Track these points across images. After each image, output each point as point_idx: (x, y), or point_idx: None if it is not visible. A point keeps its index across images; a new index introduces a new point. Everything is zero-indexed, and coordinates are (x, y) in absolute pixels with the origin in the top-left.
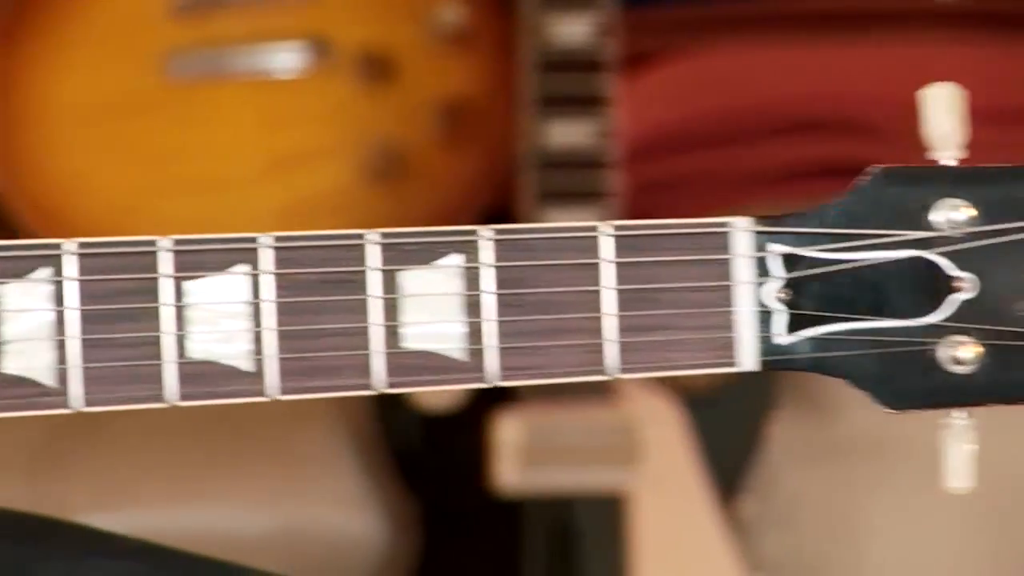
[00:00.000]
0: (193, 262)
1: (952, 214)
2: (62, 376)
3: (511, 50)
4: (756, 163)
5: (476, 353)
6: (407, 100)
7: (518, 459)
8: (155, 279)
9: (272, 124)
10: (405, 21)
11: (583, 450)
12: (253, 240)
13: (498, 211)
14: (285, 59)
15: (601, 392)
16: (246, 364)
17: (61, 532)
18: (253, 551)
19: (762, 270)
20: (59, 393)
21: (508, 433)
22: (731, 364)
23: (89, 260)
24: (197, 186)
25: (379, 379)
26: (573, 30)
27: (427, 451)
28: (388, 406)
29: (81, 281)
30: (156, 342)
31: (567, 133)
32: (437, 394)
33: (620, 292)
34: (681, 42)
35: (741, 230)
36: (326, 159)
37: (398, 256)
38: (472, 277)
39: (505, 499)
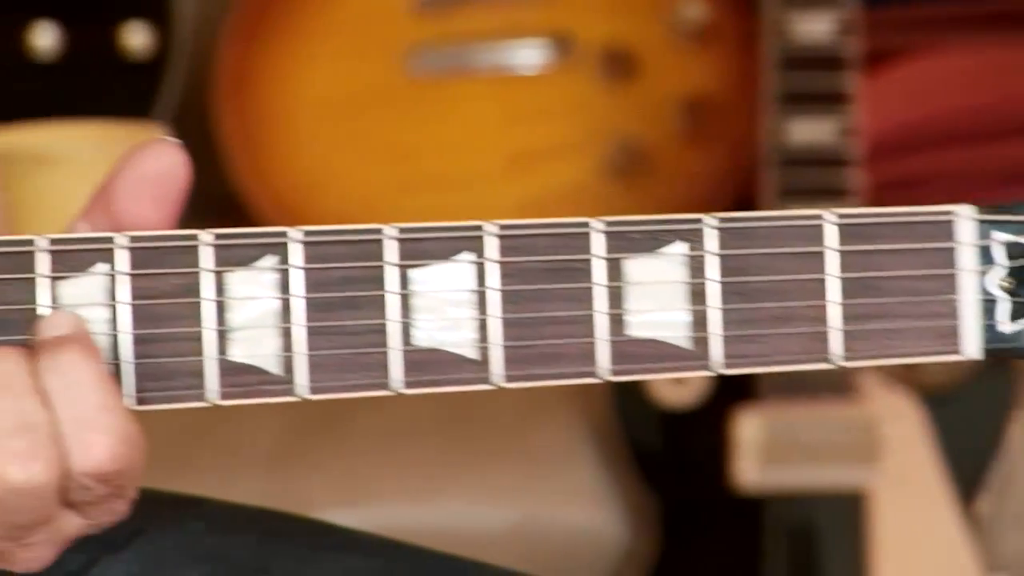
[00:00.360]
0: (418, 250)
1: None
2: (287, 364)
3: (752, 47)
4: (995, 162)
5: (700, 341)
6: (649, 97)
7: (758, 457)
8: (380, 267)
9: (514, 120)
10: (648, 18)
11: (823, 448)
12: (479, 228)
13: (739, 209)
14: (527, 56)
15: (841, 389)
16: (471, 352)
17: (297, 527)
18: (491, 546)
19: (986, 258)
20: (285, 381)
21: (748, 430)
22: (955, 352)
23: (314, 248)
24: (439, 182)
25: (603, 367)
26: (815, 27)
27: (667, 448)
28: (628, 402)
29: (306, 269)
30: (381, 330)
31: (808, 130)
32: (677, 389)
33: (844, 280)
34: (921, 40)
35: (965, 218)
36: (567, 155)
37: (623, 244)
38: (696, 265)
39: (745, 497)
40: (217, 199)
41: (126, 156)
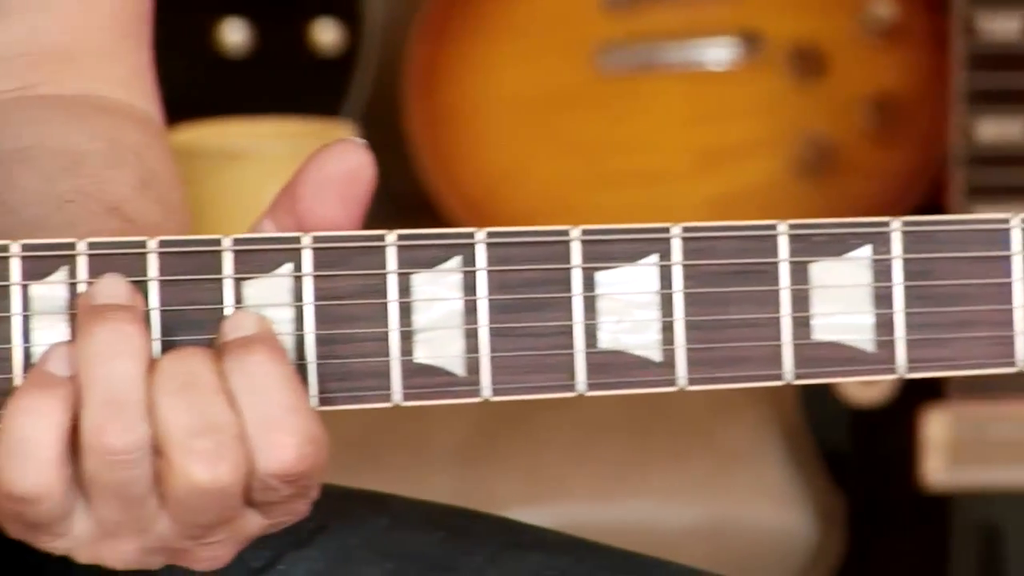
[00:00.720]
0: (603, 252)
1: None
2: (472, 365)
3: (941, 45)
4: None
5: (884, 345)
6: (837, 95)
7: (946, 455)
8: (566, 269)
9: (703, 118)
10: (836, 16)
11: (1012, 446)
12: (664, 231)
13: (927, 207)
14: (717, 53)
15: None
16: (655, 354)
17: (482, 525)
18: (677, 544)
19: None
20: (469, 382)
21: (936, 429)
22: None
23: (499, 249)
24: (628, 179)
25: (788, 370)
26: (1004, 26)
27: (854, 447)
28: (816, 401)
29: (491, 271)
30: (566, 331)
31: (997, 129)
32: (865, 389)
33: None
34: None
35: None
36: (756, 153)
37: (808, 247)
38: (881, 268)
39: (932, 496)
40: (405, 197)
41: (312, 156)
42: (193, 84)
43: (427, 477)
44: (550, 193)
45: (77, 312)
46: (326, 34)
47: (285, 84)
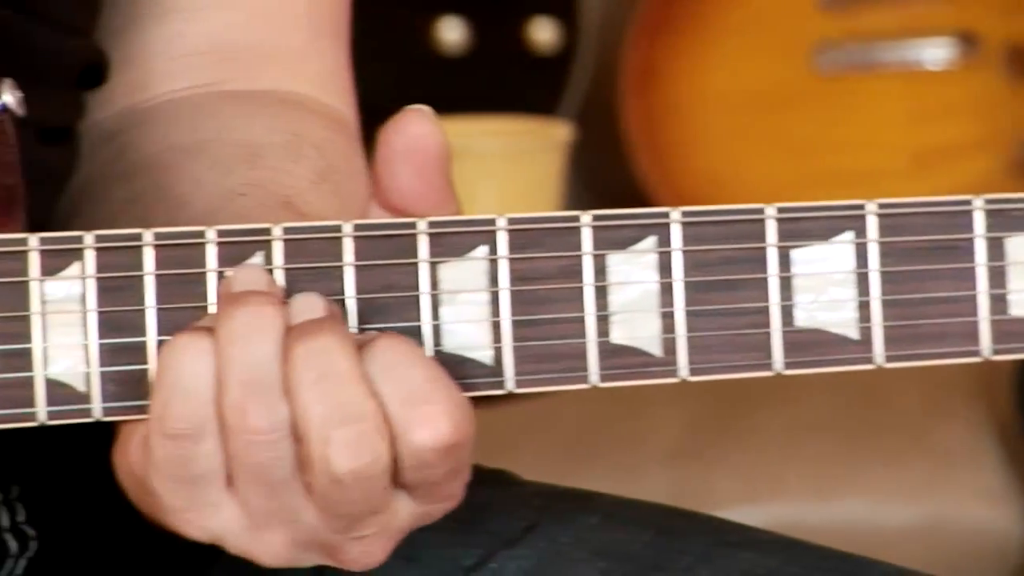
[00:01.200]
0: (799, 230)
1: None
2: (668, 345)
3: None
4: None
5: None
6: None
7: None
8: (762, 248)
9: (920, 118)
10: None
11: None
12: (860, 208)
13: None
14: (933, 53)
15: None
16: (852, 332)
17: (693, 524)
18: (893, 544)
19: None
20: (666, 363)
21: None
22: None
23: (694, 229)
24: (844, 179)
25: (985, 346)
26: None
27: None
28: None
29: (686, 251)
30: (762, 311)
31: None
32: None
33: None
34: None
35: None
36: (973, 153)
37: (1004, 222)
38: None
39: None
40: (621, 195)
41: (379, 135)
42: (410, 82)
43: (641, 477)
44: (766, 192)
45: (217, 300)
46: (543, 32)
47: (501, 83)
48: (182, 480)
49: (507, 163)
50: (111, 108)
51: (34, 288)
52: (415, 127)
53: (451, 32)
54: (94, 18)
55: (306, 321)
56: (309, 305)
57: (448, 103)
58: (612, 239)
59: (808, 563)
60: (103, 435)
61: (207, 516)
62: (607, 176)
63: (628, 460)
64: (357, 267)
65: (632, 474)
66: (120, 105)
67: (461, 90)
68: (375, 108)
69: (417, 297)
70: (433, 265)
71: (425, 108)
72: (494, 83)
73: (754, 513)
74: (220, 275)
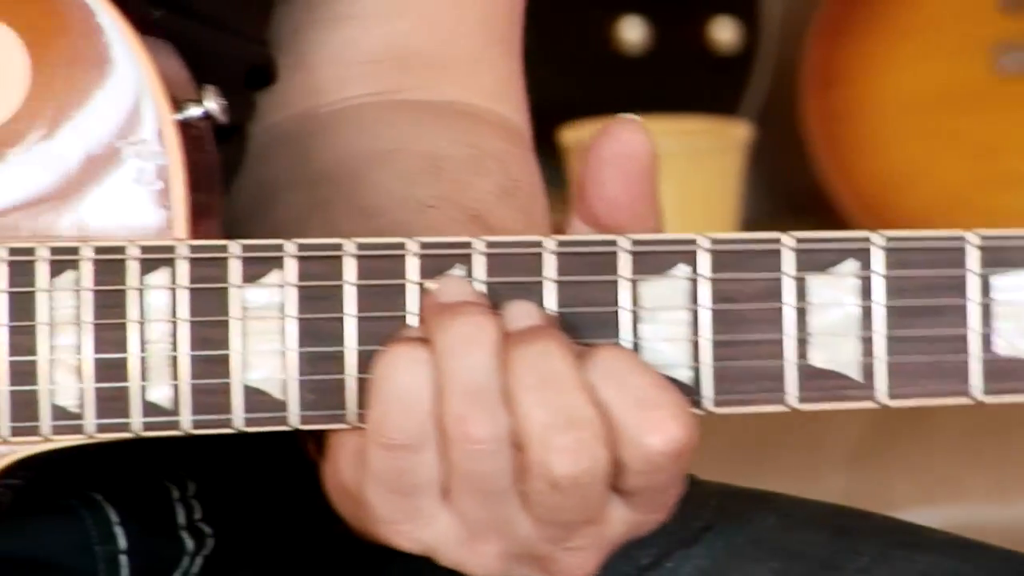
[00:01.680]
0: (1000, 258)
1: None
2: (867, 369)
3: None
4: None
5: None
6: None
7: None
8: (962, 275)
9: None
10: None
11: None
12: None
13: None
14: None
15: None
16: None
17: (870, 525)
18: None
19: None
20: (864, 387)
21: None
22: None
23: (895, 254)
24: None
25: None
26: None
27: None
28: None
29: (887, 276)
30: (960, 337)
31: None
32: None
33: None
34: None
35: None
36: None
37: None
38: None
39: None
40: (801, 195)
41: (589, 145)
42: (591, 82)
43: (820, 478)
44: (946, 193)
45: (424, 313)
46: (724, 32)
47: (682, 82)
48: (398, 491)
49: (687, 163)
50: (285, 111)
51: (234, 295)
52: (625, 135)
53: (632, 32)
54: (265, 22)
55: (525, 327)
56: (525, 311)
57: (628, 103)
58: (811, 261)
59: (987, 564)
60: (279, 434)
61: (421, 528)
62: (787, 176)
63: (806, 461)
64: (558, 282)
65: (810, 475)
66: (294, 109)
67: (641, 90)
68: (555, 108)
69: (617, 313)
70: (633, 282)
71: (635, 117)
72: (674, 83)
73: (932, 515)
74: (421, 287)
